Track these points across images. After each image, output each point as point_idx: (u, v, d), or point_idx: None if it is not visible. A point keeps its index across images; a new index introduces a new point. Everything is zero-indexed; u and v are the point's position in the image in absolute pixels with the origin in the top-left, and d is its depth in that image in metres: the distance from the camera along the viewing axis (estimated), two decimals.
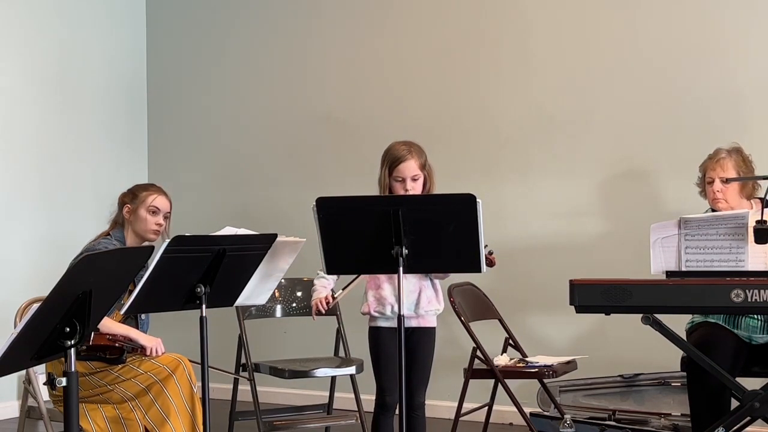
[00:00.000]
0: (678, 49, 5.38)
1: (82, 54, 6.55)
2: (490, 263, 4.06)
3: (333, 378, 5.07)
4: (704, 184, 4.45)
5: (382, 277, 4.03)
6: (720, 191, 4.33)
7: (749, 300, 3.58)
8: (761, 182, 4.34)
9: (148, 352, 4.10)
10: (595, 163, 5.57)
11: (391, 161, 4.05)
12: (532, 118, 5.73)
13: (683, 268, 3.77)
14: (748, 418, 4.00)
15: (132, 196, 4.42)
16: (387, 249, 3.58)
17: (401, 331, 3.65)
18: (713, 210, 4.37)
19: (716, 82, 5.28)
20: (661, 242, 3.79)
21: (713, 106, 5.28)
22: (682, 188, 5.27)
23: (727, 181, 4.32)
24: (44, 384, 3.02)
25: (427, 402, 4.15)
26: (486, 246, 3.99)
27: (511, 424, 5.60)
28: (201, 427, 4.08)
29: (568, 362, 4.80)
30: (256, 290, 3.98)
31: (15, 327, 2.92)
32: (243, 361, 4.92)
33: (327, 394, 5.19)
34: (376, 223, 3.58)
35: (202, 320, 3.69)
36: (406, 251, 3.57)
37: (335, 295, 4.05)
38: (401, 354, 3.64)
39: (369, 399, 4.31)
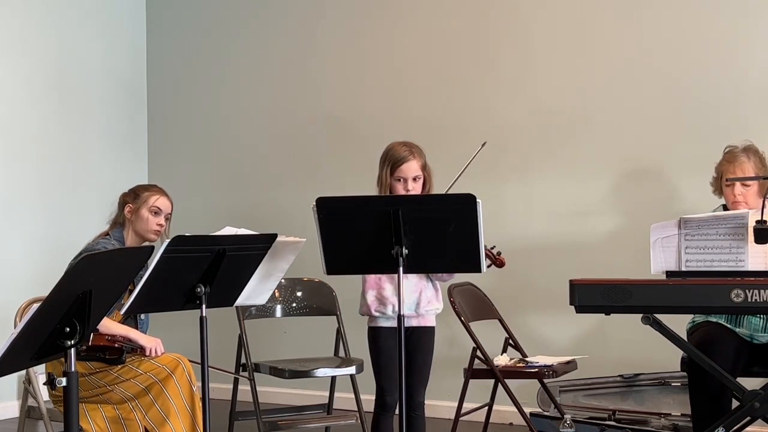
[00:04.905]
0: (680, 49, 5.38)
1: (82, 54, 6.56)
2: (501, 263, 4.06)
3: (333, 378, 5.08)
4: (720, 184, 4.45)
5: (384, 277, 4.03)
6: (741, 194, 4.33)
7: (749, 300, 3.58)
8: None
9: (147, 353, 4.10)
10: (595, 163, 5.57)
11: (393, 161, 4.05)
12: (532, 118, 5.74)
13: (683, 268, 3.76)
14: (748, 418, 4.00)
15: (134, 196, 4.42)
16: (387, 249, 3.58)
17: (401, 330, 3.65)
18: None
19: (719, 82, 5.28)
20: (661, 242, 3.79)
21: (715, 105, 5.28)
22: (682, 188, 5.29)
23: (729, 181, 4.33)
24: (44, 384, 3.01)
25: (427, 402, 4.15)
26: (494, 247, 3.99)
27: (511, 424, 5.60)
28: (201, 427, 4.08)
29: (568, 362, 4.80)
30: (256, 290, 3.98)
31: (15, 327, 2.92)
32: (243, 361, 4.92)
33: (327, 394, 5.19)
34: (376, 223, 3.58)
35: (202, 320, 3.69)
36: (406, 251, 3.57)
37: None
38: (401, 354, 3.64)
39: (369, 399, 4.31)
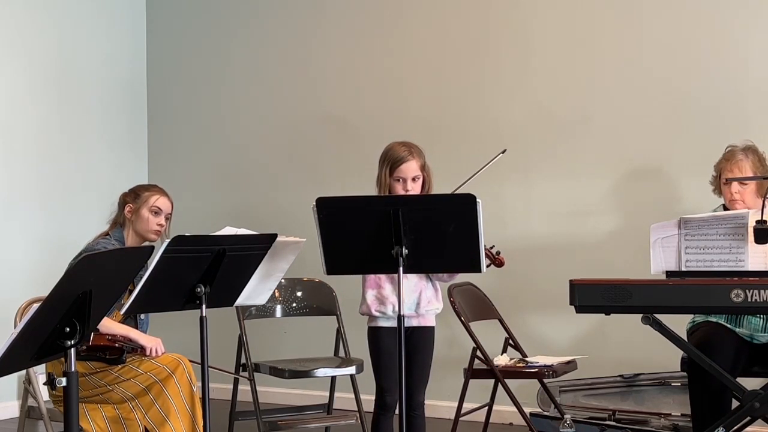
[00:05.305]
0: (680, 49, 5.38)
1: (82, 54, 6.55)
2: (500, 263, 4.05)
3: (333, 378, 5.08)
4: (719, 183, 4.45)
5: (383, 276, 4.03)
6: (738, 192, 4.34)
7: (749, 300, 3.58)
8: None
9: (147, 352, 4.10)
10: (595, 163, 5.57)
11: (392, 162, 4.05)
12: (532, 118, 5.74)
13: (683, 268, 3.76)
14: (748, 418, 4.00)
15: (134, 196, 4.42)
16: (387, 249, 3.58)
17: (401, 330, 3.65)
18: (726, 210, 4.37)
19: (719, 82, 5.28)
20: (661, 242, 3.79)
21: (715, 105, 5.28)
22: (682, 188, 5.29)
23: (728, 181, 4.33)
24: (44, 384, 3.02)
25: (427, 402, 4.15)
26: (493, 246, 3.98)
27: (511, 424, 5.60)
28: (201, 427, 4.08)
29: (568, 362, 4.80)
30: (256, 290, 3.98)
31: (15, 327, 2.92)
32: (243, 361, 4.92)
33: (327, 394, 5.19)
34: (376, 223, 3.58)
35: (202, 320, 3.69)
36: (406, 251, 3.57)
37: None
38: (401, 354, 3.64)
39: (369, 399, 4.31)
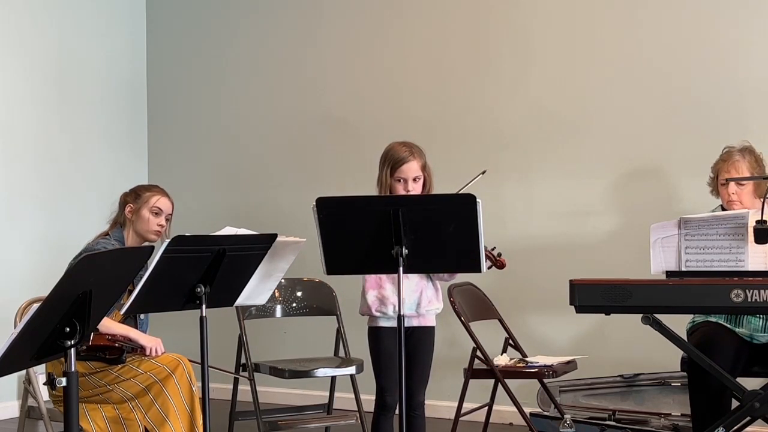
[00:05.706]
0: (679, 49, 5.38)
1: (82, 54, 6.56)
2: (502, 265, 4.05)
3: (333, 378, 5.08)
4: (717, 184, 4.46)
5: (384, 277, 4.04)
6: (735, 193, 4.34)
7: (749, 300, 3.58)
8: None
9: (147, 352, 4.10)
10: (595, 163, 5.57)
11: (393, 162, 4.05)
12: (532, 118, 5.74)
13: (683, 268, 3.76)
14: (748, 418, 4.00)
15: (135, 196, 4.42)
16: (387, 249, 3.58)
17: (401, 330, 3.65)
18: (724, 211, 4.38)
19: (719, 82, 5.28)
20: (661, 242, 3.79)
21: (715, 105, 5.28)
22: (682, 188, 5.29)
23: (727, 181, 4.34)
24: (44, 384, 3.02)
25: (427, 402, 4.15)
26: (494, 248, 3.99)
27: (511, 424, 5.60)
28: (201, 427, 4.08)
29: (568, 362, 4.80)
30: (256, 290, 3.98)
31: (15, 327, 2.92)
32: (243, 361, 4.92)
33: (327, 394, 5.19)
34: (376, 223, 3.58)
35: (202, 320, 3.69)
36: (406, 251, 3.57)
37: None
38: (401, 354, 3.64)
39: (369, 399, 4.31)
